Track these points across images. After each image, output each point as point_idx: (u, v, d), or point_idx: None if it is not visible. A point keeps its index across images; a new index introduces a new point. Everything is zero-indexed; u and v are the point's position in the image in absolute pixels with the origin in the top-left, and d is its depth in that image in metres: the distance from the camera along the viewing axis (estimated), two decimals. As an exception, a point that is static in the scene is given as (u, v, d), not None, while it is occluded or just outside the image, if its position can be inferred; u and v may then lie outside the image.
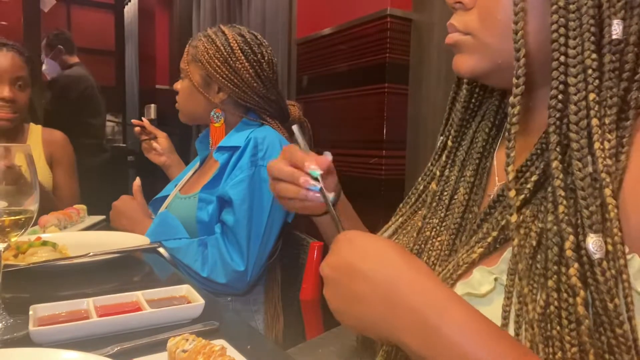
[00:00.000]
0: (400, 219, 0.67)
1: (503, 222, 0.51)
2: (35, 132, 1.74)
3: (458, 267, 0.53)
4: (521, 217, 0.49)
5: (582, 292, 0.42)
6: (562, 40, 0.46)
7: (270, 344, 0.69)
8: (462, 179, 0.61)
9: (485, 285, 0.50)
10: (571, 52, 0.46)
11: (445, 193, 0.62)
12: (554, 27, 0.47)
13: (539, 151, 0.52)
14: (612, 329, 0.41)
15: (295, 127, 0.66)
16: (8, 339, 0.60)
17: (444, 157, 0.64)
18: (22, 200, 0.64)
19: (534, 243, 0.47)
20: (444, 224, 0.60)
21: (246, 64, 1.21)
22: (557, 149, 0.47)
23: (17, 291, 0.79)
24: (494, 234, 0.52)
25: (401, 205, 0.70)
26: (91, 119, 3.46)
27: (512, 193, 0.48)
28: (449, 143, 0.64)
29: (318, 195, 0.64)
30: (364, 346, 0.66)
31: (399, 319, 0.42)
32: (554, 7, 0.47)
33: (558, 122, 0.47)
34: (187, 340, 0.50)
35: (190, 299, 0.71)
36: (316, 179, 0.63)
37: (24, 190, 0.64)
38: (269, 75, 1.24)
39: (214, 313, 0.70)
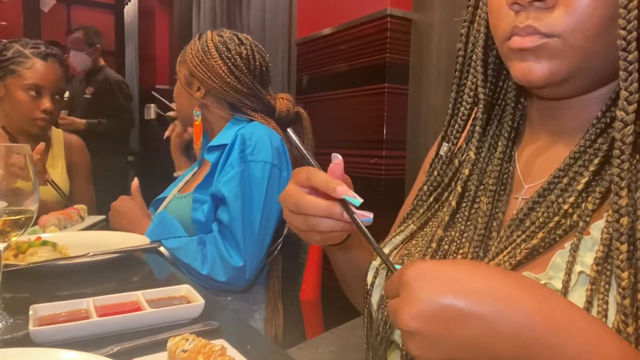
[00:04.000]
0: (406, 232, 0.63)
1: (552, 224, 0.48)
2: (58, 137, 1.72)
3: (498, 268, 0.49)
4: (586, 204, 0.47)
5: None
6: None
7: (270, 343, 0.69)
8: (482, 186, 0.58)
9: None
10: None
11: (465, 205, 0.58)
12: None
13: (588, 142, 0.50)
14: None
15: (289, 131, 0.56)
16: (8, 339, 0.60)
17: (466, 172, 0.59)
18: (22, 200, 0.64)
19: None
20: (465, 235, 0.56)
21: (219, 60, 1.26)
22: None
23: (17, 291, 0.79)
24: (541, 234, 0.48)
25: (405, 217, 0.66)
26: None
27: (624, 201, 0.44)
28: (472, 155, 0.59)
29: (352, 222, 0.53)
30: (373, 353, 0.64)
31: (539, 356, 0.36)
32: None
33: None
34: (187, 340, 0.50)
35: (190, 299, 0.71)
36: (346, 205, 0.52)
37: (24, 190, 0.64)
38: (243, 70, 1.27)
39: (214, 313, 0.70)
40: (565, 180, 0.50)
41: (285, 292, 1.31)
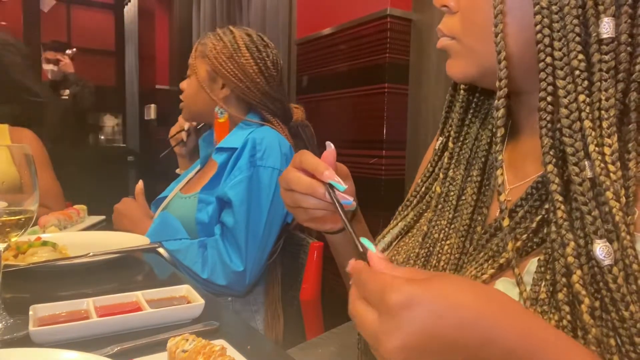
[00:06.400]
0: (402, 223, 0.64)
1: (519, 244, 0.48)
2: (2, 132, 1.60)
3: None
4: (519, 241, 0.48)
5: (586, 300, 0.40)
6: (546, 41, 0.45)
7: (270, 344, 0.69)
8: (469, 178, 0.59)
9: None
10: (557, 53, 0.45)
11: (452, 194, 0.59)
12: (538, 27, 0.46)
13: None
14: (630, 339, 0.38)
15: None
16: (8, 339, 0.60)
17: (445, 159, 0.61)
18: (22, 200, 0.64)
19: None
20: (452, 226, 0.57)
21: (250, 60, 1.25)
22: (551, 153, 0.45)
23: (17, 291, 0.79)
24: (507, 255, 0.48)
25: (400, 208, 0.67)
26: None
27: (506, 213, 0.47)
28: (450, 144, 0.61)
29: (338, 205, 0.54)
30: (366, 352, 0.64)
31: None
32: (537, 7, 0.46)
33: (550, 125, 0.45)
34: (187, 340, 0.50)
35: (190, 299, 0.71)
36: (331, 188, 0.55)
37: (24, 190, 0.64)
38: (272, 73, 1.27)
39: (214, 313, 0.70)
40: (542, 191, 0.50)
41: (285, 292, 1.31)
